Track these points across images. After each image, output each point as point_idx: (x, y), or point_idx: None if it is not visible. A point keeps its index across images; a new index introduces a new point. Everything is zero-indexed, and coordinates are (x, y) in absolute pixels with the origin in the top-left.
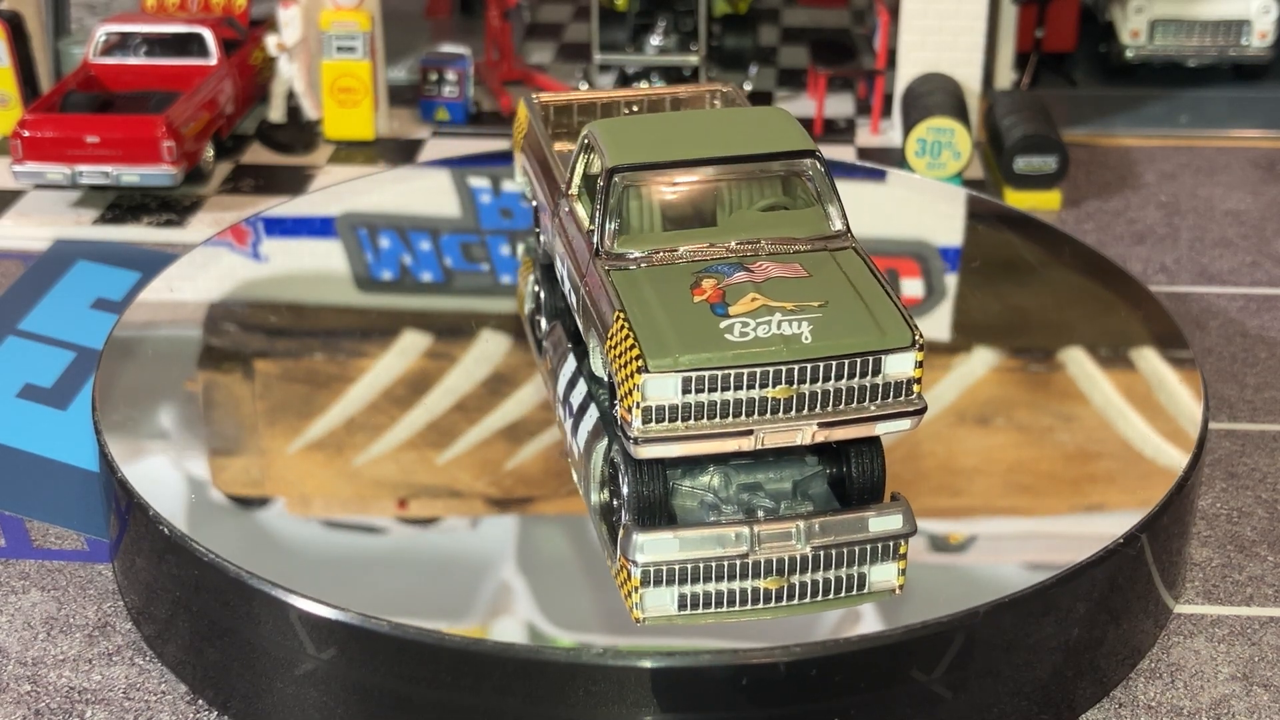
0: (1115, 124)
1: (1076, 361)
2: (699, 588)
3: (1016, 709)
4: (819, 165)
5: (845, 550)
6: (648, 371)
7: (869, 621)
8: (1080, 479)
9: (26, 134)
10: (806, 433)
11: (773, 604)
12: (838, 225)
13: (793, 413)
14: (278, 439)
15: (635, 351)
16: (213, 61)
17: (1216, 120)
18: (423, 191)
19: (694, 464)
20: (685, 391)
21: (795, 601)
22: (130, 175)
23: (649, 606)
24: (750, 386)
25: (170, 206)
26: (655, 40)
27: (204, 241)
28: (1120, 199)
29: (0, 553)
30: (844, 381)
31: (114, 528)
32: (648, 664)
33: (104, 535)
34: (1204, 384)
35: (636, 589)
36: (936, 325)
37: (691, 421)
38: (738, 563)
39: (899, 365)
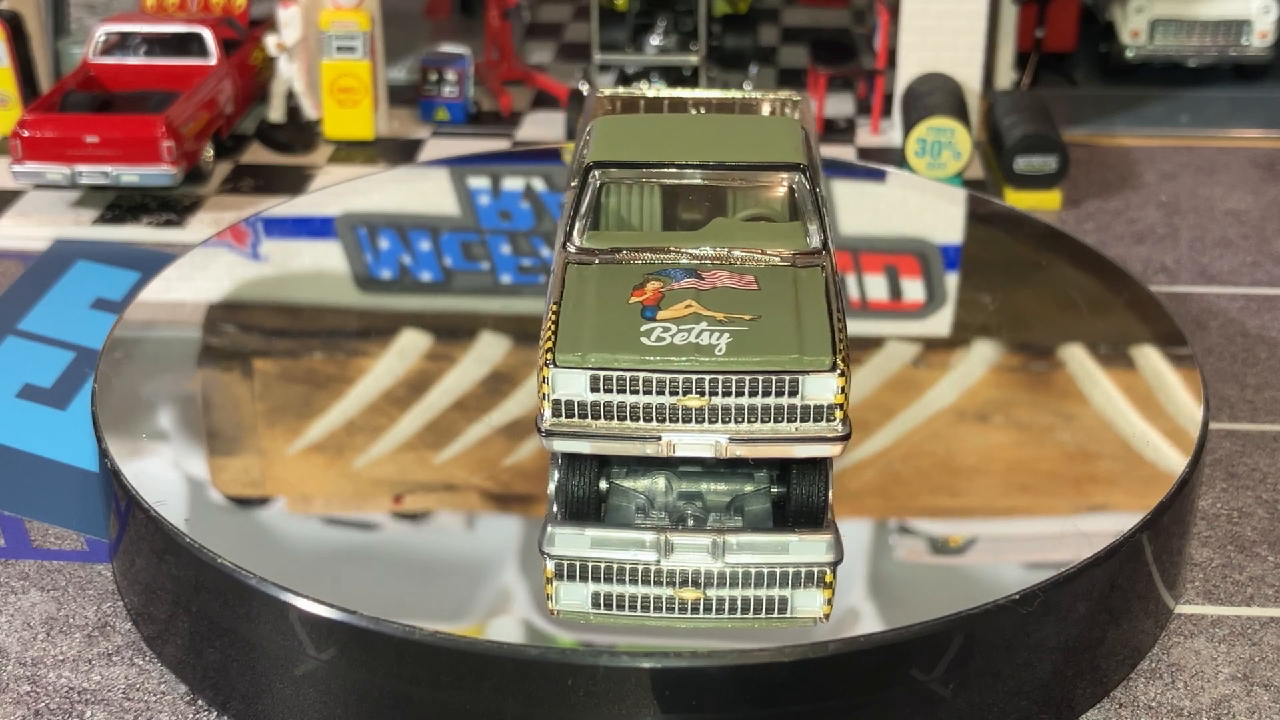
0: (1115, 124)
1: (1076, 360)
2: (615, 588)
3: (1016, 709)
4: (803, 180)
5: (766, 572)
6: (555, 365)
7: (869, 621)
8: (1081, 478)
9: (26, 134)
10: (720, 446)
11: (689, 614)
12: (814, 243)
13: (705, 424)
14: (277, 439)
15: (550, 344)
16: (212, 61)
17: (1217, 120)
18: (422, 191)
19: (642, 465)
20: (594, 389)
21: (712, 615)
22: (130, 175)
23: (563, 600)
24: (661, 392)
25: (170, 206)
26: (655, 40)
27: (203, 241)
28: (1120, 199)
29: (0, 553)
30: (759, 399)
31: (114, 528)
32: (648, 664)
33: (104, 535)
34: (1204, 384)
35: (550, 581)
36: (937, 324)
37: (602, 421)
38: (651, 569)
39: (818, 389)
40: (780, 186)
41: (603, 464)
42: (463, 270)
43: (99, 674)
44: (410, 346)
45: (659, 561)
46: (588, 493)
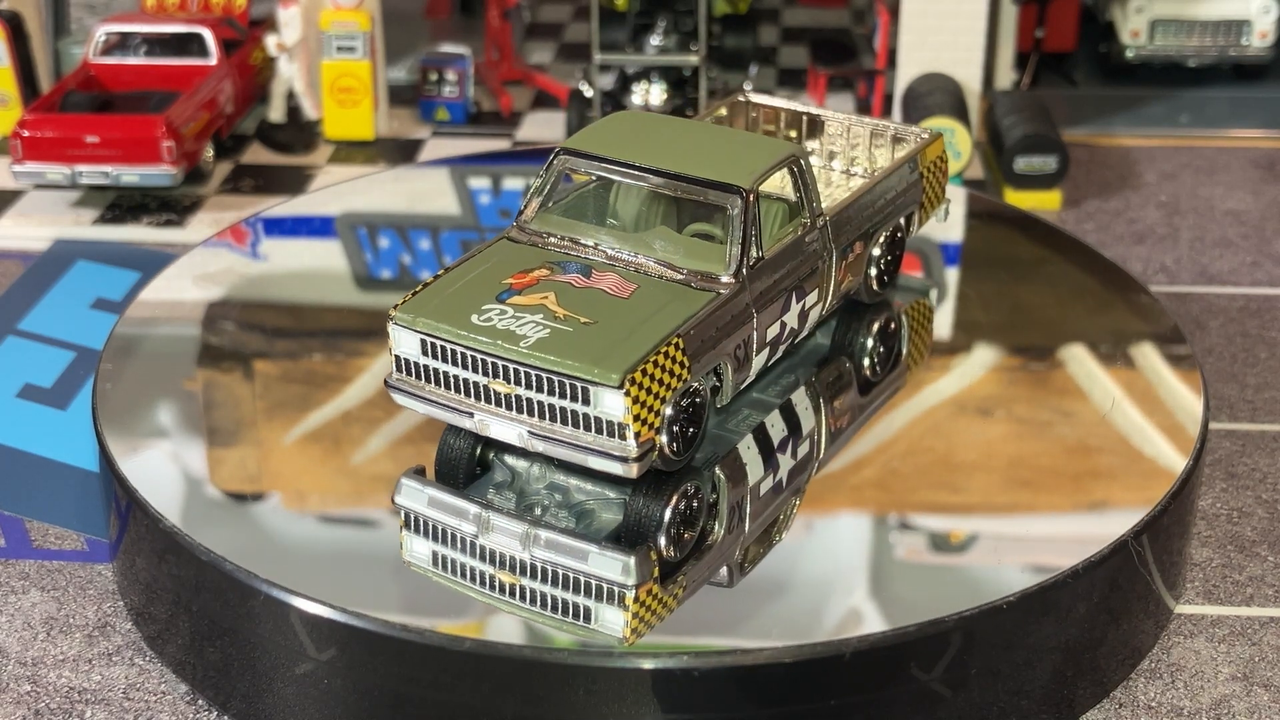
0: (1115, 124)
1: (1077, 359)
2: (449, 552)
3: (1016, 709)
4: (738, 205)
5: (572, 577)
6: (391, 320)
7: (869, 622)
8: (1082, 475)
9: (26, 134)
10: (524, 436)
11: (504, 597)
12: (725, 274)
13: (511, 411)
14: (278, 439)
15: (403, 300)
16: (213, 61)
17: (1216, 120)
18: (422, 191)
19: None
20: (425, 354)
21: (523, 605)
22: (130, 175)
23: (410, 551)
24: (476, 371)
25: (170, 206)
26: (655, 40)
27: (203, 241)
28: (1120, 199)
29: (0, 553)
30: (556, 399)
31: (114, 528)
32: (648, 664)
33: (104, 535)
34: (1204, 384)
35: (401, 529)
36: (937, 323)
37: (431, 386)
38: (475, 542)
39: (608, 404)
40: (722, 206)
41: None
42: None
43: (99, 674)
44: None
45: (478, 536)
46: (459, 455)
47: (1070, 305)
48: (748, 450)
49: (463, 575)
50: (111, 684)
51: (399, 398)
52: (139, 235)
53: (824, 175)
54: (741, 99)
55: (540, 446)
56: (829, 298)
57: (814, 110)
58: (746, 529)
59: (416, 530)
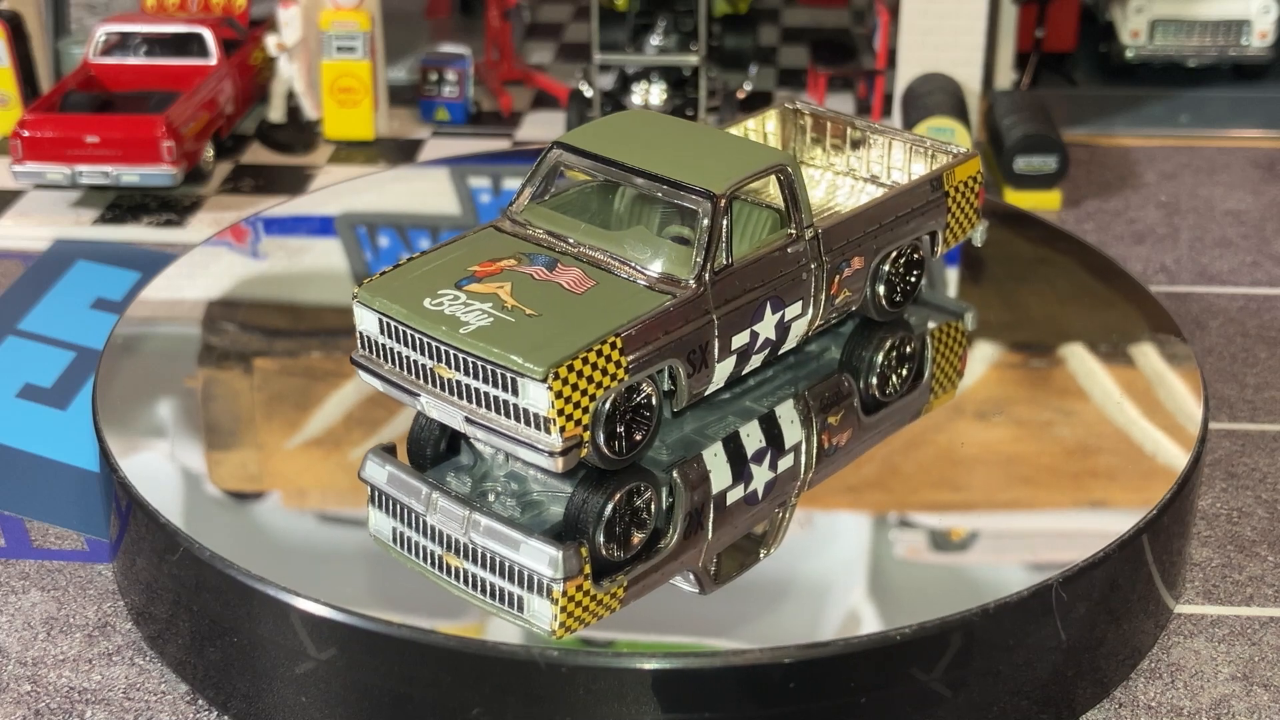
0: (1115, 124)
1: (1077, 359)
2: (406, 530)
3: (1016, 709)
4: (707, 210)
5: (505, 565)
6: (354, 296)
7: (869, 622)
8: (1081, 475)
9: (26, 134)
10: (461, 421)
11: (449, 579)
12: (686, 278)
13: (453, 396)
14: (278, 439)
15: (370, 278)
16: (213, 61)
17: (1216, 120)
18: (422, 191)
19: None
20: (382, 333)
21: (464, 588)
22: (130, 175)
23: (374, 525)
24: (423, 353)
25: (170, 206)
26: (655, 40)
27: (204, 241)
28: (1120, 199)
29: (0, 553)
30: (489, 386)
31: (114, 527)
32: (648, 664)
33: (104, 535)
34: (1204, 384)
35: (368, 503)
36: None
37: (388, 365)
38: (425, 521)
39: (533, 396)
40: (694, 210)
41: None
42: None
43: (99, 674)
44: None
45: (425, 515)
46: (428, 435)
47: (1070, 305)
48: (714, 457)
49: (415, 553)
50: (111, 684)
51: (361, 373)
52: (139, 235)
53: (858, 188)
54: (790, 106)
55: (477, 434)
56: (817, 311)
57: (860, 123)
58: (710, 536)
59: (378, 506)
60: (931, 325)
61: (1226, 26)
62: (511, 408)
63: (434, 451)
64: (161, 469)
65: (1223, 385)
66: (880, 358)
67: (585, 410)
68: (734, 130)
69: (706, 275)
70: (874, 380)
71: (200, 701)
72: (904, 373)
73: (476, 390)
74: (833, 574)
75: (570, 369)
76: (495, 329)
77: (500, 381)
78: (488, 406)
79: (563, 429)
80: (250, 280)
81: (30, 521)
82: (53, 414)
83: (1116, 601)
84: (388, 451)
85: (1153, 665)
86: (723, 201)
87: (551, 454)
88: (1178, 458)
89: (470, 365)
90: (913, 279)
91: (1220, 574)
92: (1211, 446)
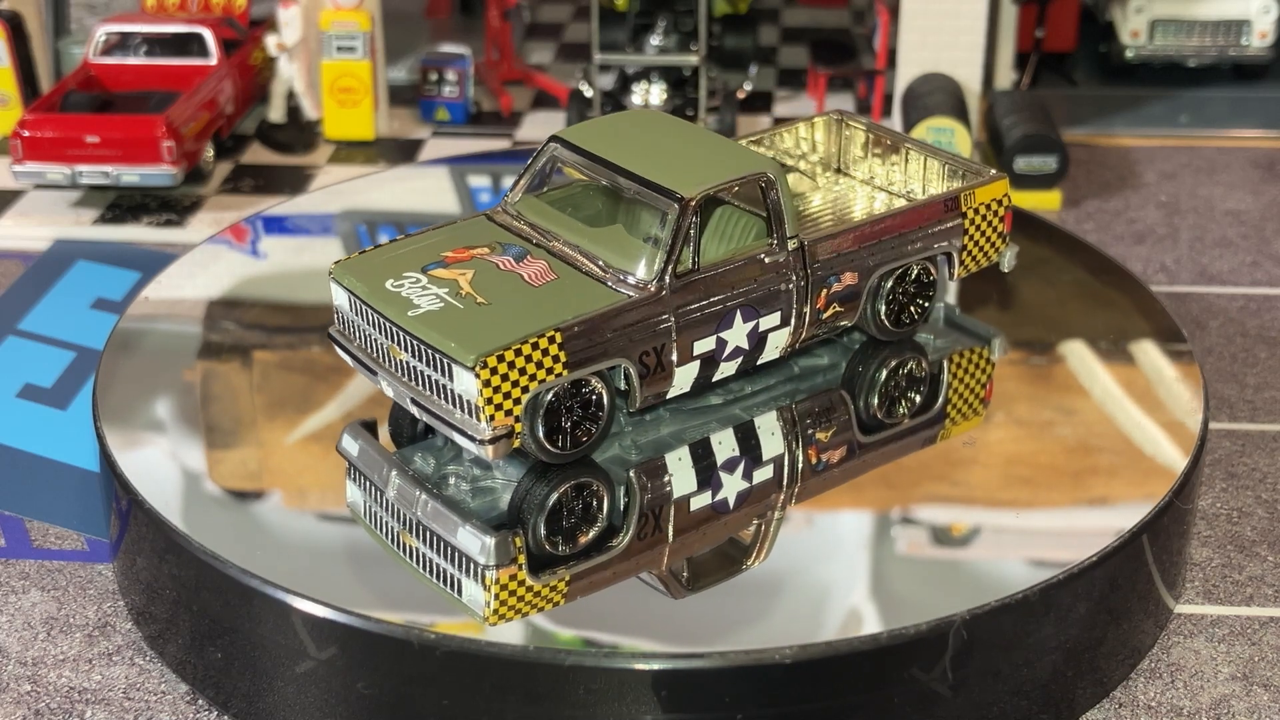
0: (1115, 124)
1: (1077, 358)
2: (374, 507)
3: (1016, 709)
4: (674, 213)
5: (446, 547)
6: (330, 271)
7: (869, 622)
8: (1082, 474)
9: (26, 134)
10: (409, 401)
11: (404, 557)
12: (645, 279)
13: (404, 377)
14: (279, 438)
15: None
16: (213, 61)
17: (1216, 120)
18: (422, 191)
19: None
20: (351, 309)
21: (414, 565)
22: (130, 175)
23: (349, 497)
24: (380, 332)
25: (170, 206)
26: (655, 40)
27: (204, 241)
28: (1120, 199)
29: (0, 553)
30: (429, 370)
31: (114, 527)
32: (648, 664)
33: (104, 535)
34: (1204, 384)
35: (346, 475)
36: (937, 320)
37: (356, 342)
38: (384, 495)
39: (464, 383)
40: (664, 212)
41: None
42: None
43: (99, 674)
44: None
45: (385, 490)
46: (405, 414)
47: (1070, 305)
48: (678, 461)
49: (378, 527)
50: (111, 684)
51: (336, 348)
52: (139, 235)
53: (891, 204)
54: (835, 115)
55: (422, 415)
56: (800, 324)
57: (903, 139)
58: (669, 538)
59: (354, 479)
60: (952, 348)
61: (1226, 26)
62: (449, 393)
63: (411, 431)
64: (162, 469)
65: (1223, 385)
66: (884, 376)
67: (517, 402)
68: (785, 134)
69: (668, 277)
70: (874, 400)
71: (200, 701)
72: (915, 397)
73: (421, 373)
74: (832, 574)
75: (501, 359)
76: (440, 315)
77: (439, 366)
78: (430, 390)
79: (491, 418)
80: (250, 280)
81: (30, 521)
82: (53, 414)
83: (1116, 601)
84: (365, 427)
85: (1153, 665)
86: (692, 205)
87: (481, 441)
88: (1178, 457)
89: (415, 348)
90: (923, 300)
91: (1220, 574)
92: (1211, 446)
